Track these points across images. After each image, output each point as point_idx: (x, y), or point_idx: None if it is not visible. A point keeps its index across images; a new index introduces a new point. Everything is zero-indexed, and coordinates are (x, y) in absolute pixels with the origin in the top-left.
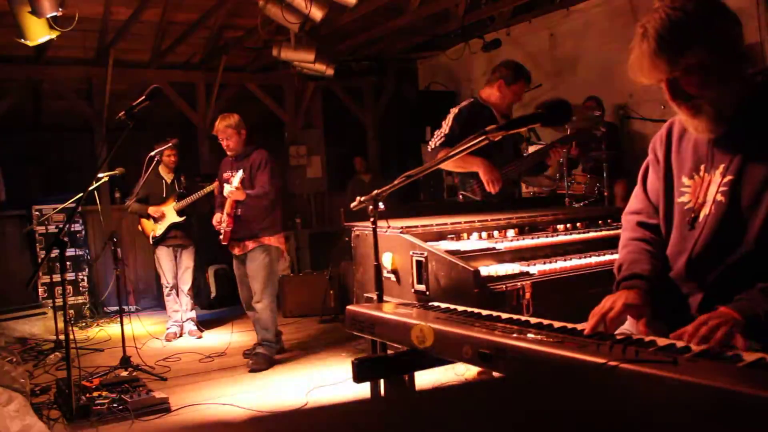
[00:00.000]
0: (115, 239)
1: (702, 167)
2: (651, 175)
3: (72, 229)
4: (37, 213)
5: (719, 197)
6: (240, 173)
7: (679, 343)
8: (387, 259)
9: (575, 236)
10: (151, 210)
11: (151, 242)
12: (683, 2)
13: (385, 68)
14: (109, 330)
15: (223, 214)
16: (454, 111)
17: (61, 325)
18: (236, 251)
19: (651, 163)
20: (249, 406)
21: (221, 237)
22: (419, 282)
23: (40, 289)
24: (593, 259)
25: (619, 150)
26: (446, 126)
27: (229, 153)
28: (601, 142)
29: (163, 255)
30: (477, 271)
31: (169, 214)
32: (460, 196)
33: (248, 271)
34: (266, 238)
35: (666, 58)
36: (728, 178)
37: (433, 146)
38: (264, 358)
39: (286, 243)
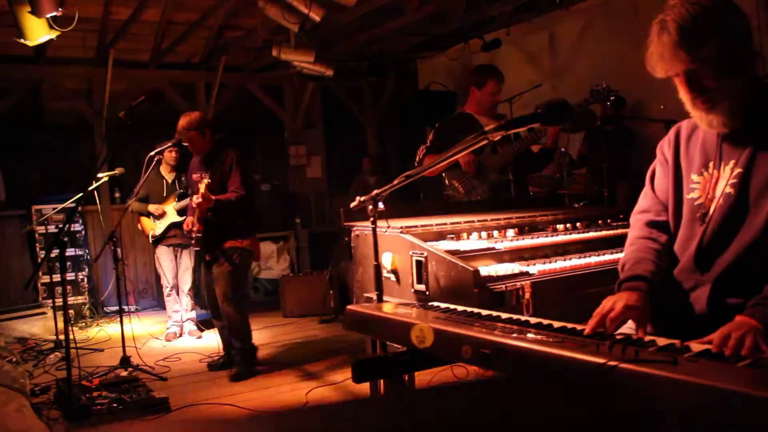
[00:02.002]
0: (115, 239)
1: (711, 164)
2: (659, 174)
3: (72, 229)
4: (37, 213)
5: (728, 189)
6: (205, 182)
7: (679, 343)
8: (387, 259)
9: (575, 236)
10: (152, 208)
11: (150, 241)
12: None
13: (385, 68)
14: (109, 330)
15: (194, 217)
16: (435, 126)
17: (61, 325)
18: (207, 257)
19: (659, 164)
20: (249, 406)
21: (194, 242)
22: (419, 282)
23: (40, 289)
24: (593, 259)
25: (626, 151)
26: (428, 140)
27: (195, 154)
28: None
29: (164, 254)
30: (477, 271)
31: (170, 213)
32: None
33: (213, 274)
34: (237, 241)
35: (686, 48)
36: (737, 171)
37: (418, 159)
38: (243, 367)
39: (283, 244)
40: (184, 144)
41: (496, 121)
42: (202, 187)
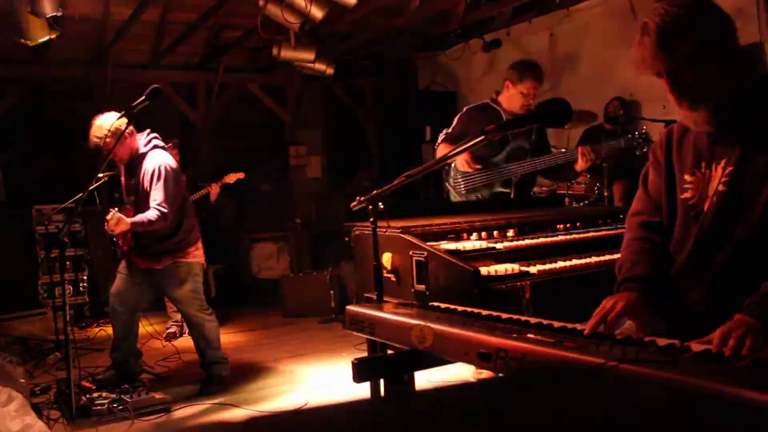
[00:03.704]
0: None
1: (703, 164)
2: (652, 176)
3: (72, 229)
4: (37, 213)
5: (721, 188)
6: (113, 216)
7: (679, 343)
8: (387, 259)
9: (575, 236)
10: None
11: None
12: (681, 1)
13: (385, 68)
14: (109, 330)
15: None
16: (462, 110)
17: (61, 325)
18: (141, 264)
19: (652, 165)
20: (249, 406)
21: (117, 252)
22: (419, 282)
23: (40, 289)
24: (593, 259)
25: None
26: (451, 125)
27: (116, 163)
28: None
29: None
30: (477, 271)
31: None
32: (449, 195)
33: (168, 295)
34: (178, 255)
35: (666, 48)
36: (729, 168)
37: (437, 143)
38: (219, 379)
39: (283, 244)
40: (103, 152)
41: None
42: (112, 218)
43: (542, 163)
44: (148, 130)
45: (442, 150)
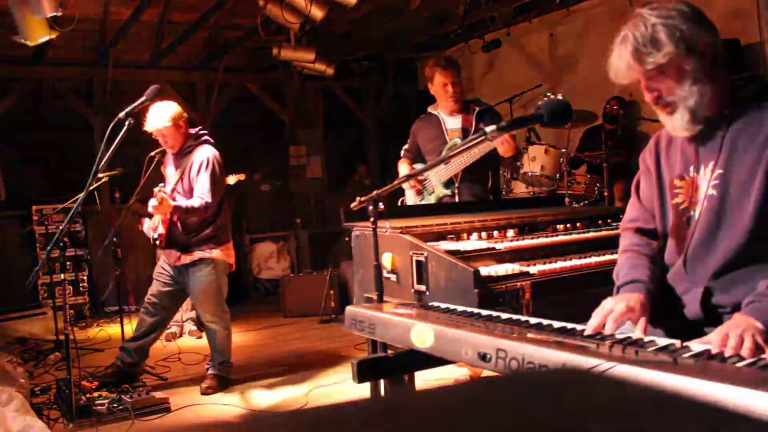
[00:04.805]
0: (115, 239)
1: (691, 168)
2: (643, 184)
3: (72, 229)
4: (37, 213)
5: (711, 191)
6: (160, 194)
7: (679, 343)
8: (387, 259)
9: (575, 236)
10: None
11: (152, 242)
12: (660, 10)
13: (385, 68)
14: (109, 330)
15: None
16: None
17: (61, 325)
18: (172, 261)
19: (642, 173)
20: (249, 406)
21: (157, 242)
22: (419, 282)
23: (40, 289)
24: (593, 259)
25: (627, 151)
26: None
27: (169, 150)
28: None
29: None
30: (477, 271)
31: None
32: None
33: (191, 290)
34: (207, 250)
35: (638, 59)
36: (717, 172)
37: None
38: (218, 380)
39: (283, 244)
40: (155, 139)
41: (462, 114)
42: (157, 197)
43: (469, 158)
44: (199, 126)
45: (401, 165)
